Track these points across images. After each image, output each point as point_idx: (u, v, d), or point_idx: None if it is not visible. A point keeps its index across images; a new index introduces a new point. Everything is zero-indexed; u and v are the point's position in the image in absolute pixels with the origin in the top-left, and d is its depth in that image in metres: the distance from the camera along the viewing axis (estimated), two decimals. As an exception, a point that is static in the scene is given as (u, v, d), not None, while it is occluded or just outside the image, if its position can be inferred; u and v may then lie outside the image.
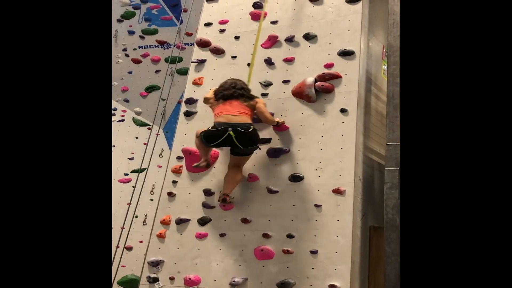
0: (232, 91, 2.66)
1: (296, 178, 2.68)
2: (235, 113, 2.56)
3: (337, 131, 2.69)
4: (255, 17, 3.33)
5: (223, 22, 3.43)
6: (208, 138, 2.57)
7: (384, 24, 3.22)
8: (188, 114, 3.23)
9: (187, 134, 3.15)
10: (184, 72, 4.29)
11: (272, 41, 3.18)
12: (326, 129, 2.72)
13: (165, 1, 5.65)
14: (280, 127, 2.84)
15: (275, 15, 3.28)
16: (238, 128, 2.48)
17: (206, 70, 3.32)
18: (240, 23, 3.37)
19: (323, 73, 2.86)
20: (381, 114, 3.01)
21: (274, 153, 2.80)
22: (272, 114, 2.84)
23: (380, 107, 3.03)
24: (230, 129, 2.47)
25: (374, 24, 3.13)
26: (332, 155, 2.64)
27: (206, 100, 2.92)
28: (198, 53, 3.40)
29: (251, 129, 2.54)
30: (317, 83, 2.84)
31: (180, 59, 4.41)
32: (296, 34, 3.11)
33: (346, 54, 2.86)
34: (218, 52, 3.33)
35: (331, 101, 2.78)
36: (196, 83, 3.32)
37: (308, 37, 3.05)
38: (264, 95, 3.00)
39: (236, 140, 2.47)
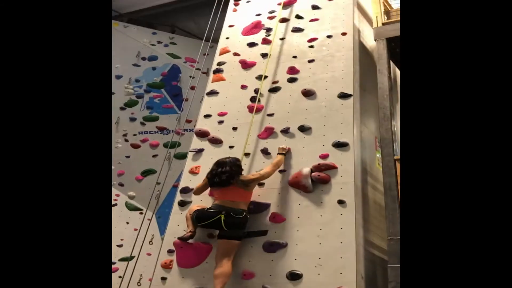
0: (221, 180, 2.80)
1: (294, 276, 2.56)
2: (232, 199, 2.76)
3: (336, 224, 2.66)
4: (252, 110, 3.59)
5: (222, 114, 3.68)
6: (199, 219, 2.80)
7: (375, 116, 3.46)
8: (183, 204, 3.23)
9: (180, 225, 3.10)
10: (181, 157, 4.43)
11: (269, 132, 3.37)
12: (325, 221, 2.71)
13: (167, 91, 6.16)
14: (275, 219, 2.83)
15: (271, 108, 3.54)
16: (231, 213, 2.69)
17: (204, 159, 3.43)
18: (238, 115, 3.61)
19: (319, 164, 2.96)
20: (379, 205, 3.03)
21: (271, 247, 2.73)
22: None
23: (378, 197, 3.06)
24: (223, 212, 2.68)
25: (365, 116, 3.36)
26: (332, 250, 2.57)
27: (199, 190, 3.03)
28: (196, 143, 3.57)
29: (243, 215, 2.73)
30: (313, 174, 2.92)
31: (179, 144, 4.61)
32: (292, 126, 3.31)
33: (340, 145, 3.01)
34: (216, 141, 3.49)
35: (328, 191, 2.82)
36: (193, 171, 3.40)
37: (303, 129, 3.25)
38: (260, 184, 3.06)
39: (223, 223, 2.67)
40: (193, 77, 4.85)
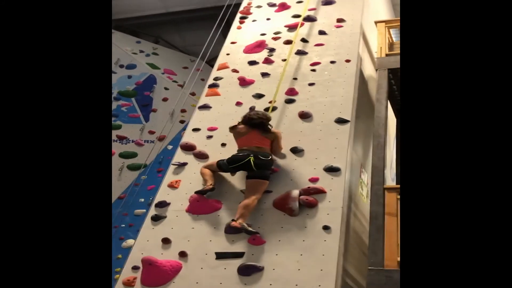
0: (254, 121, 3.59)
1: (266, 303, 2.76)
2: (257, 144, 3.48)
3: (318, 250, 2.91)
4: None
5: (211, 129, 4.10)
6: (231, 161, 3.46)
7: (362, 143, 3.97)
8: (156, 219, 3.51)
9: (150, 240, 3.38)
10: (134, 168, 4.88)
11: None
12: (306, 247, 2.95)
13: (137, 100, 6.86)
14: (255, 241, 3.12)
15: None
16: (259, 156, 3.40)
17: (185, 174, 3.77)
18: (228, 131, 4.08)
19: (308, 187, 3.32)
20: (357, 233, 3.31)
21: (246, 270, 2.95)
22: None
23: (357, 225, 3.34)
24: (252, 155, 3.38)
25: (355, 142, 3.74)
26: (310, 277, 2.78)
27: (232, 128, 3.77)
28: (180, 156, 3.92)
29: (269, 158, 3.44)
30: (301, 197, 3.30)
31: (135, 155, 5.08)
32: (284, 148, 3.75)
33: (332, 170, 3.36)
34: (202, 156, 3.85)
35: (314, 216, 3.13)
36: (172, 185, 3.73)
37: (296, 150, 3.65)
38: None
39: (253, 164, 3.35)
40: (168, 89, 5.46)
